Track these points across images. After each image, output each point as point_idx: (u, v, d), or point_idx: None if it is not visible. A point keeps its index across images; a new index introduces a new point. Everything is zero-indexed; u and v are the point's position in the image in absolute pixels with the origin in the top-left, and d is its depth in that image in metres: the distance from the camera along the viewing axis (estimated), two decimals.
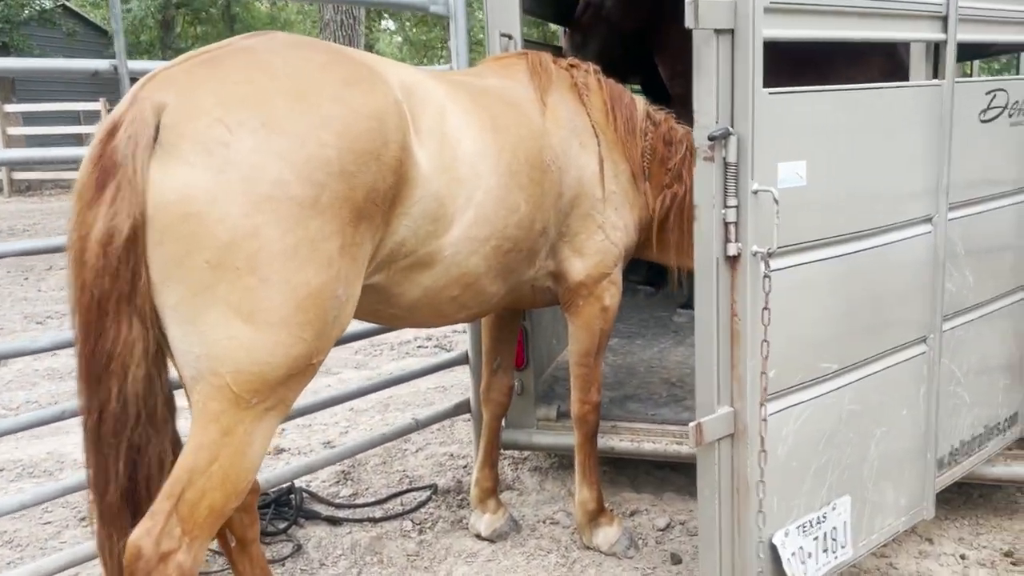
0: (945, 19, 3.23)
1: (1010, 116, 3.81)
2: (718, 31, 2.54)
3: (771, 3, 2.56)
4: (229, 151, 2.04)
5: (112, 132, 2.06)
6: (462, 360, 4.73)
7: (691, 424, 2.73)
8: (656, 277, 6.79)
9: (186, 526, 2.11)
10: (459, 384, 6.24)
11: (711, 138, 2.54)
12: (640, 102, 3.68)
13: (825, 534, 3.06)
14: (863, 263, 3.02)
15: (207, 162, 2.03)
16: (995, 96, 3.67)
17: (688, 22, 2.46)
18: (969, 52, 7.86)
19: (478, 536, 3.95)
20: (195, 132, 2.05)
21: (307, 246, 2.11)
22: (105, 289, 2.04)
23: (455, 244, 2.69)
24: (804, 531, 2.98)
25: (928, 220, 3.33)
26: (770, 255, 2.60)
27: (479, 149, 2.76)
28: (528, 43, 4.59)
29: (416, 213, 2.52)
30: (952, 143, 3.33)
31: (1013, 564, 3.66)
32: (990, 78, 3.60)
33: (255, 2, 35.46)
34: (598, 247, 3.36)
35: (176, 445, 2.33)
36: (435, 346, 7.74)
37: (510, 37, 4.16)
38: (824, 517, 3.06)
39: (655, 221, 3.64)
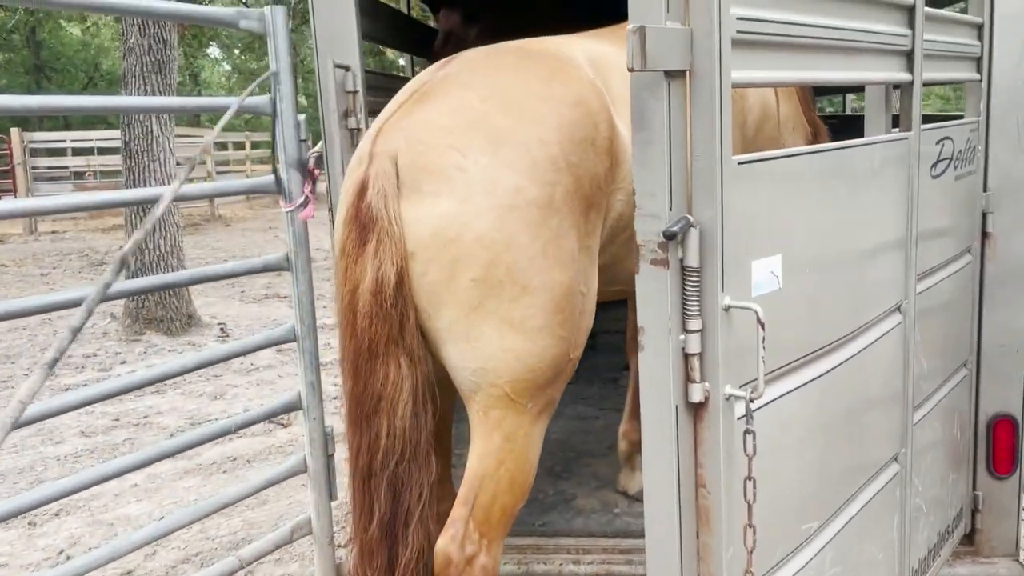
0: (910, 55, 2.54)
1: (955, 168, 3.20)
2: (669, 74, 1.68)
3: (740, 34, 1.73)
4: (467, 173, 2.14)
5: (362, 191, 2.19)
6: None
7: None
8: None
9: (483, 529, 2.25)
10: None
11: (667, 235, 1.68)
12: None
13: None
14: (840, 381, 2.25)
15: (450, 188, 2.14)
16: (943, 146, 3.05)
17: (631, 61, 1.58)
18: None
19: (625, 494, 3.86)
20: (432, 164, 2.16)
21: (553, 245, 2.16)
22: (376, 333, 2.16)
23: None
24: None
25: (898, 308, 2.63)
26: (754, 398, 1.76)
27: None
28: (370, 74, 3.68)
29: (628, 184, 2.42)
30: (916, 207, 2.65)
31: None
32: (938, 125, 2.93)
33: (65, 28, 32.68)
34: None
35: (432, 477, 2.32)
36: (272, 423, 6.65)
37: (347, 68, 3.23)
38: None
39: None
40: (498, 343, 2.15)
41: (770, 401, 1.92)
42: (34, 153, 19.66)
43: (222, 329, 9.79)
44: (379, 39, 4.97)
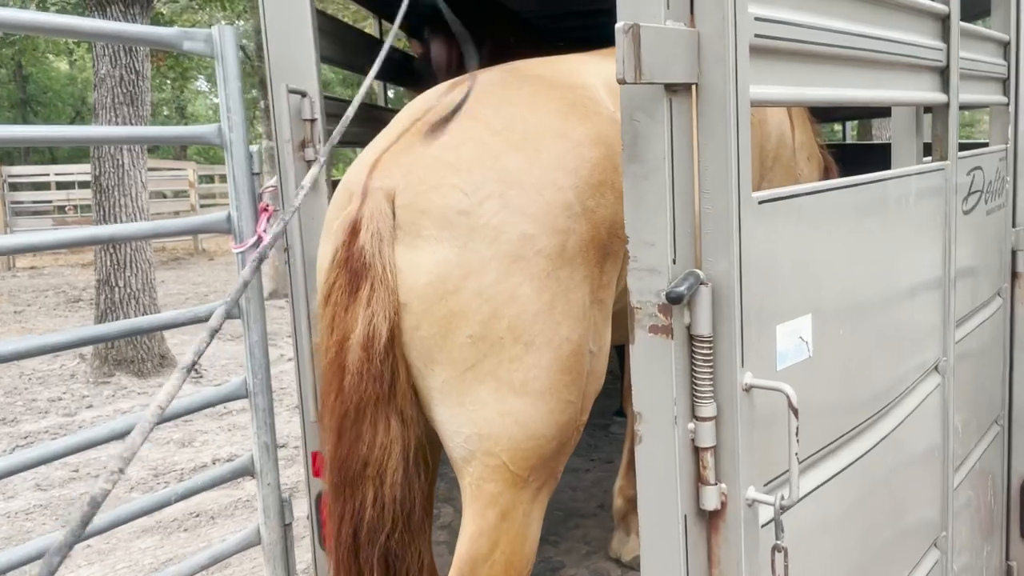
0: (944, 73, 2.18)
1: (986, 203, 2.84)
2: (671, 89, 1.30)
3: (759, 38, 1.35)
4: (471, 218, 1.92)
5: (354, 232, 1.99)
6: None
7: None
8: None
9: None
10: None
11: (672, 298, 1.28)
12: None
13: None
14: (876, 464, 1.85)
15: (451, 234, 1.93)
16: (974, 177, 2.68)
17: (621, 70, 1.20)
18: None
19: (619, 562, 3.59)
20: (433, 206, 1.95)
21: (562, 299, 1.95)
22: (366, 392, 1.97)
23: None
24: None
25: (936, 368, 2.24)
26: (786, 505, 1.35)
27: None
28: (331, 101, 3.33)
29: None
30: (954, 248, 2.28)
31: None
32: (970, 153, 2.57)
33: (51, 62, 32.47)
34: None
35: (428, 547, 2.18)
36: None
37: (303, 95, 2.89)
38: None
39: None
40: (496, 407, 1.93)
41: (799, 499, 1.52)
42: (14, 187, 19.27)
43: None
44: (341, 63, 4.58)
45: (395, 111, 5.56)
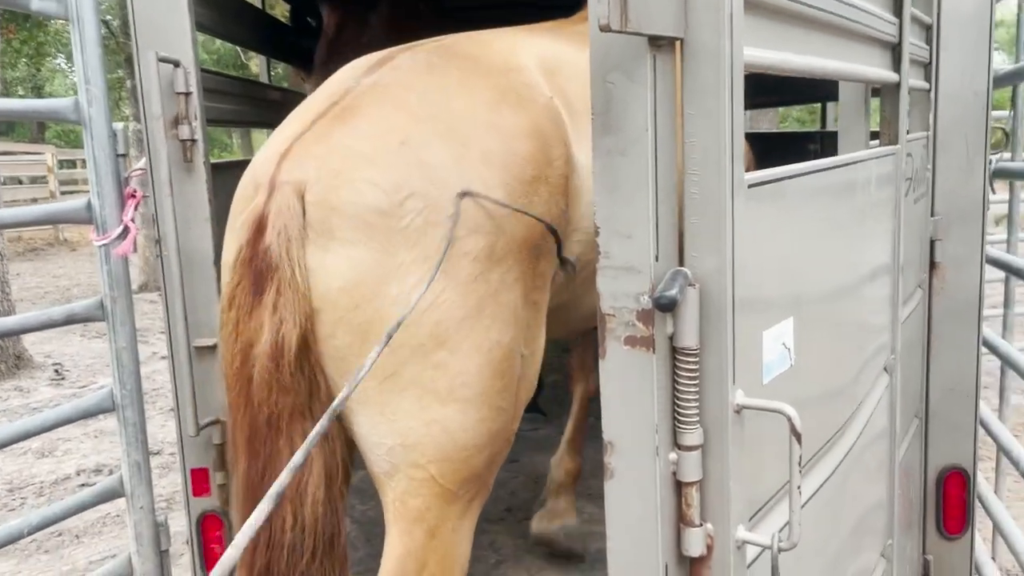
0: (896, 50, 2.02)
1: (914, 190, 2.74)
2: (656, 43, 1.05)
3: None
4: (390, 219, 1.76)
5: (259, 229, 1.81)
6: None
7: None
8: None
9: None
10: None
11: (662, 304, 1.03)
12: None
13: None
14: (844, 478, 1.67)
15: (368, 236, 1.76)
16: (908, 164, 2.57)
17: (606, 16, 0.93)
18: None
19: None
20: (347, 204, 1.78)
21: (491, 302, 1.82)
22: (277, 405, 1.80)
23: None
24: None
25: (886, 368, 2.09)
26: (784, 548, 1.13)
27: None
28: (210, 74, 2.96)
29: (587, 225, 2.11)
30: (901, 237, 2.13)
31: None
32: (912, 137, 2.45)
33: None
34: None
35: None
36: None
37: (176, 64, 2.53)
38: None
39: None
40: (421, 416, 1.81)
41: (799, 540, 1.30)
42: None
43: (57, 371, 8.59)
44: (220, 32, 4.15)
45: (280, 89, 5.13)
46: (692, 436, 1.11)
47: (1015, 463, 2.99)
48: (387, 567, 1.90)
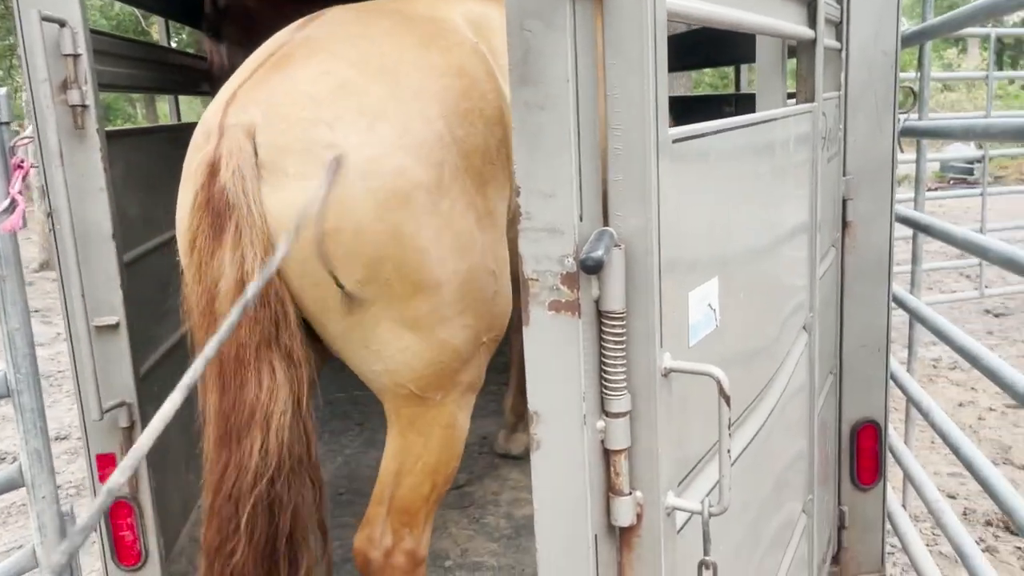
0: (813, 5, 2.01)
1: (827, 149, 2.76)
2: None
3: None
4: (338, 151, 1.80)
5: (213, 172, 1.86)
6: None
7: None
8: None
9: (404, 519, 2.12)
10: None
11: (588, 265, 0.98)
12: None
13: None
14: (766, 438, 1.67)
15: (318, 168, 1.80)
16: (822, 123, 2.58)
17: None
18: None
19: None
20: (296, 141, 1.84)
21: (447, 231, 1.90)
22: (244, 338, 1.87)
23: None
24: None
25: (804, 327, 2.10)
26: (715, 512, 1.10)
27: None
28: (97, 34, 2.79)
29: None
30: (818, 197, 2.14)
31: None
32: (828, 96, 2.46)
33: None
34: None
35: (317, 491, 2.08)
36: None
37: (62, 24, 2.37)
38: None
39: None
40: (395, 344, 1.96)
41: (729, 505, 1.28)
42: None
43: None
44: None
45: (183, 53, 4.89)
46: (620, 402, 1.07)
47: (924, 414, 3.08)
48: (387, 461, 2.14)
